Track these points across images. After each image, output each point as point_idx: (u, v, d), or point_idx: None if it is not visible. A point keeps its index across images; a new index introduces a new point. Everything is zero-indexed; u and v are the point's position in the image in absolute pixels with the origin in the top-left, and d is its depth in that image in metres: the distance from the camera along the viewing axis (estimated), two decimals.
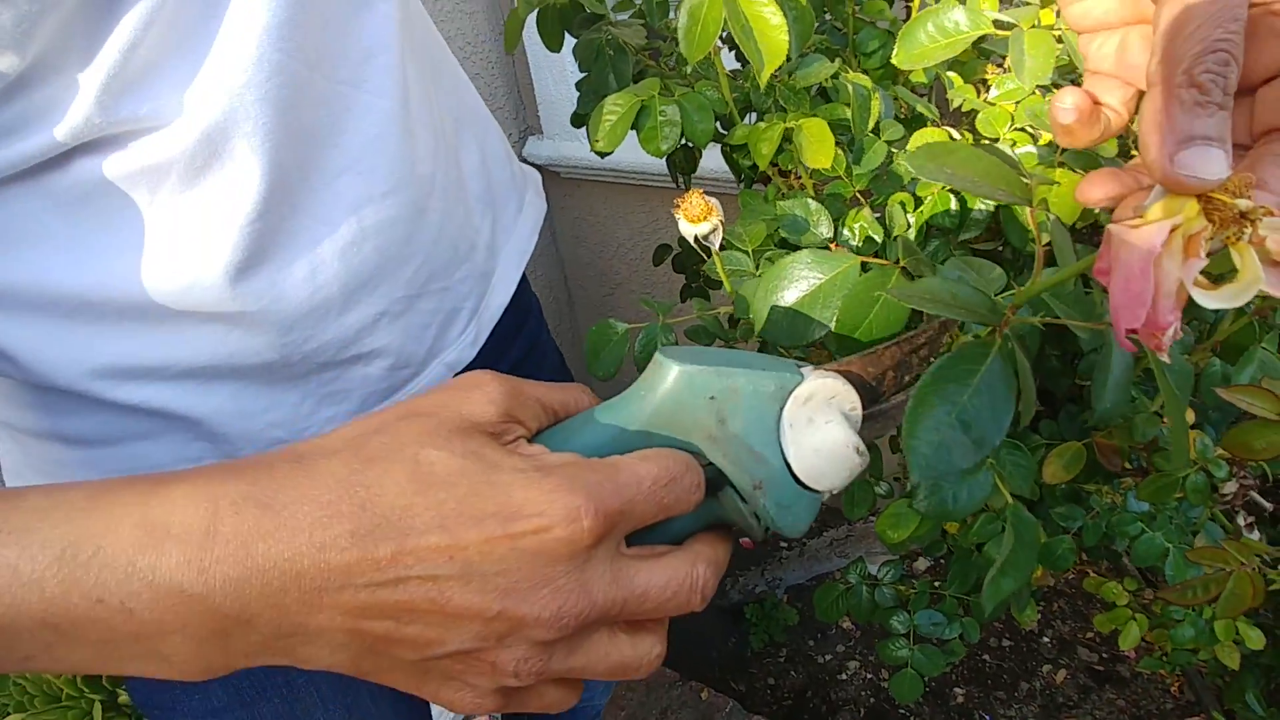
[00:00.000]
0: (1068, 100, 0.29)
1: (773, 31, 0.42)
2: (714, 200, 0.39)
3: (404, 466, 0.26)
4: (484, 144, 0.57)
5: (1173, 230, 0.24)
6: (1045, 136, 0.53)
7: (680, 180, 0.86)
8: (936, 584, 1.00)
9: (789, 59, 0.56)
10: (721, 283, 0.47)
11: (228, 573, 0.24)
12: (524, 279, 0.63)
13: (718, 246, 0.40)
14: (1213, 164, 0.24)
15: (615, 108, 0.54)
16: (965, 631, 1.01)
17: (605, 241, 1.74)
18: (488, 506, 0.26)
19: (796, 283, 0.40)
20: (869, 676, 1.65)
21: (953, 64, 0.67)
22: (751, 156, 0.58)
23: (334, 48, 0.41)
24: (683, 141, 0.57)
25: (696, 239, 0.40)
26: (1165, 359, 0.26)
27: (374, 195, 0.44)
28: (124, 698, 0.97)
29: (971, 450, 0.29)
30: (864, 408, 0.32)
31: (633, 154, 1.07)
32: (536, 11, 0.71)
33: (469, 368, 0.51)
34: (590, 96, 0.64)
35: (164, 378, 0.42)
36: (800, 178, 0.68)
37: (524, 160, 1.66)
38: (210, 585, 0.24)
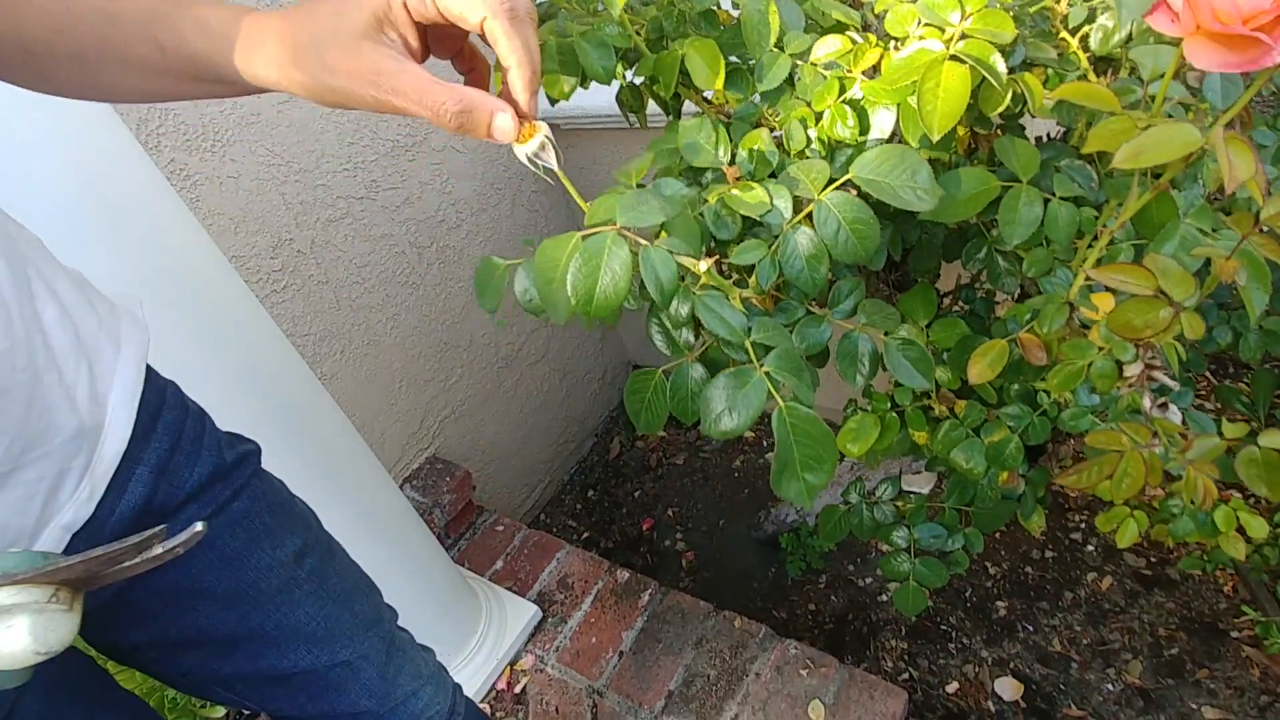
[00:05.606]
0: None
1: None
2: (540, 122, 0.40)
3: None
4: (58, 295, 0.54)
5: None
6: (952, 28, 0.52)
7: (632, 120, 0.85)
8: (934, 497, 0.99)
9: None
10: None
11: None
12: (149, 371, 0.60)
13: (554, 163, 0.41)
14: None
15: None
16: (968, 542, 1.01)
17: (604, 183, 1.76)
18: None
19: (552, 265, 0.44)
20: None
21: None
22: (663, 88, 0.58)
23: None
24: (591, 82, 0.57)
25: (530, 160, 0.41)
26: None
27: None
28: None
29: None
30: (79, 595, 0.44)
31: (602, 97, 1.07)
32: None
33: (93, 520, 0.53)
34: None
35: None
36: (727, 103, 0.68)
37: None
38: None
